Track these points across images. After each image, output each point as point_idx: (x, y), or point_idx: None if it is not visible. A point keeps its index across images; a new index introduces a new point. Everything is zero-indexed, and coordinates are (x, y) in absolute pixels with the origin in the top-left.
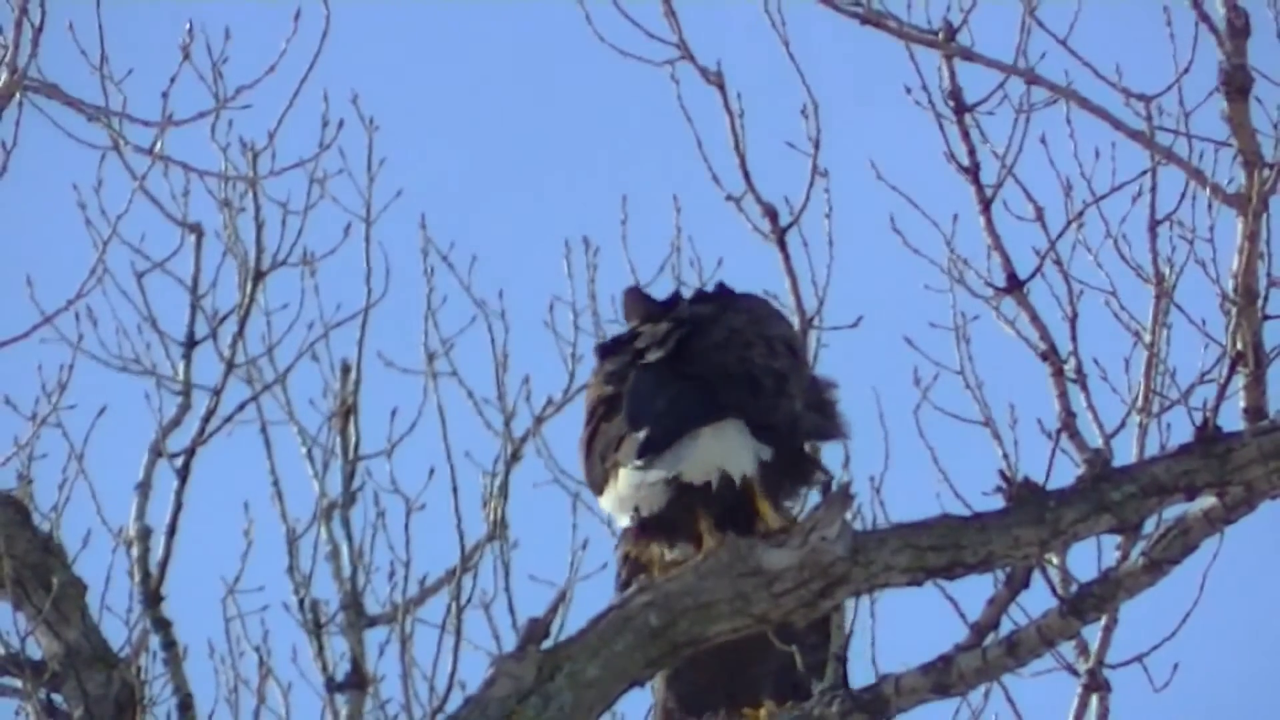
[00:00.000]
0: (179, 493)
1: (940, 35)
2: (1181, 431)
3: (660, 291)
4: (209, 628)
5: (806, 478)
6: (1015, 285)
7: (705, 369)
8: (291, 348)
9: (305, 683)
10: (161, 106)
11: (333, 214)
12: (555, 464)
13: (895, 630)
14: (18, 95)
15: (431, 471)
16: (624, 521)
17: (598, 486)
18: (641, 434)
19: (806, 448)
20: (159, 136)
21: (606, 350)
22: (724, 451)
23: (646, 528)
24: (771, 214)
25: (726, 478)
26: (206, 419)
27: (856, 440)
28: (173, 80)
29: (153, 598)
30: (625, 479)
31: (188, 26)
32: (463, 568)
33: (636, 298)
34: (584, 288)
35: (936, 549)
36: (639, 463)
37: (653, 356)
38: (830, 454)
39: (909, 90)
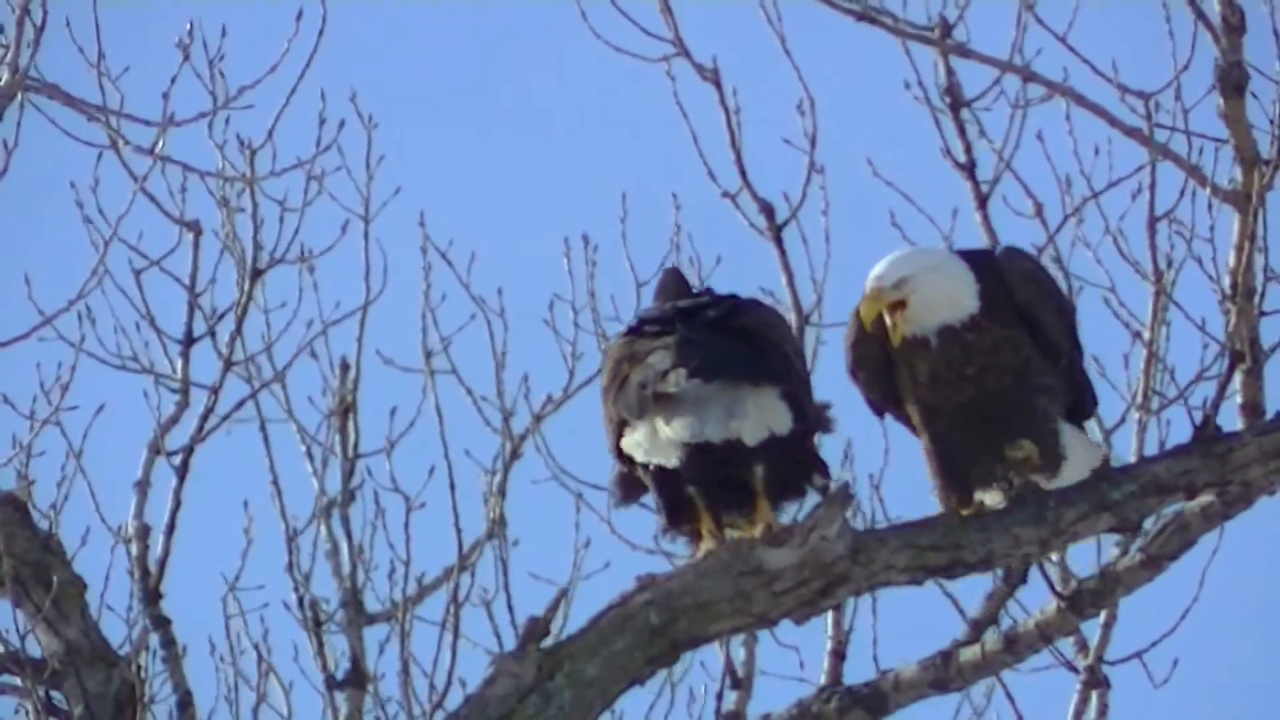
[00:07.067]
0: (178, 491)
1: (936, 31)
2: (1181, 429)
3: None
4: (209, 626)
5: (809, 479)
6: None
7: (751, 338)
8: (290, 345)
9: (305, 681)
10: (161, 106)
11: (331, 211)
12: (555, 462)
13: (894, 626)
14: (19, 95)
15: (431, 470)
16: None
17: (633, 410)
18: (692, 364)
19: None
20: (158, 136)
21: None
22: (769, 410)
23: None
24: (768, 210)
25: (774, 437)
26: (205, 417)
27: (857, 438)
28: (172, 80)
29: (152, 596)
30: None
31: (187, 26)
32: (461, 566)
33: (676, 278)
34: (583, 285)
35: (936, 548)
36: (690, 381)
37: (711, 314)
38: (831, 452)
39: (906, 86)
